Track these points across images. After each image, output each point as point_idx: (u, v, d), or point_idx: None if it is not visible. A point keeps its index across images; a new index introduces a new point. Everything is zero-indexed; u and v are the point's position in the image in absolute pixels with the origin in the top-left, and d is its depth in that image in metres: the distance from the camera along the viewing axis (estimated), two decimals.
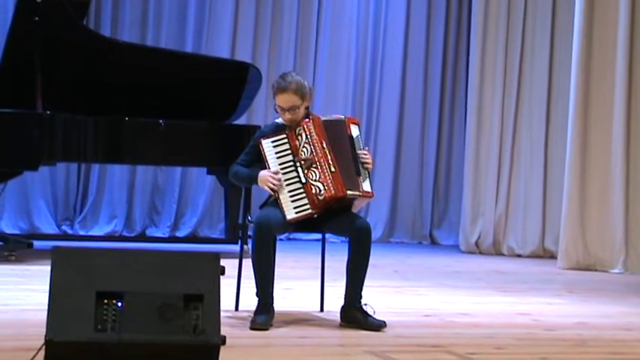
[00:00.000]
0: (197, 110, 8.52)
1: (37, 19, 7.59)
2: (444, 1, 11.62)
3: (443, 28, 11.63)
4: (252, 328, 4.88)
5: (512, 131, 10.47)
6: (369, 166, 5.21)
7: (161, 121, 8.03)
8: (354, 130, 5.24)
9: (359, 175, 5.16)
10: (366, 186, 5.17)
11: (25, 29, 7.60)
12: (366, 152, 5.23)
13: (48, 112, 7.48)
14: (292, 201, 5.07)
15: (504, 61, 10.53)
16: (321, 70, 11.18)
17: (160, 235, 10.35)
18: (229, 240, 8.82)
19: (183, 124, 8.19)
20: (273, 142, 5.16)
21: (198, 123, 8.31)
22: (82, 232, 10.18)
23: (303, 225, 5.16)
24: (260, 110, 10.59)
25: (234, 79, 8.67)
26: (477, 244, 10.53)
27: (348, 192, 5.07)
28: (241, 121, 9.24)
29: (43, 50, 7.64)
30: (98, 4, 10.32)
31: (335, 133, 5.18)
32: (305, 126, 5.14)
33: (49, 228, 10.10)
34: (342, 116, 5.33)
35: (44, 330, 3.77)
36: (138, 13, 10.56)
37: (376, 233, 11.23)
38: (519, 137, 10.47)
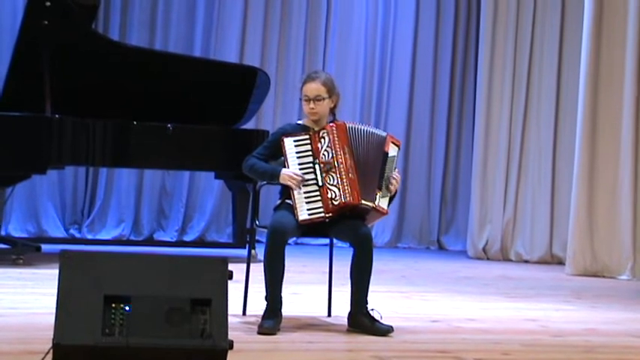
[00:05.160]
0: (205, 114, 8.53)
1: (46, 22, 7.61)
2: (452, 7, 11.62)
3: (451, 33, 11.63)
4: (259, 333, 4.88)
5: (520, 137, 10.45)
6: (393, 187, 5.21)
7: (169, 125, 8.04)
8: (392, 150, 5.23)
9: (380, 189, 5.15)
10: (382, 202, 5.16)
11: (34, 33, 7.61)
12: (396, 175, 5.22)
13: (56, 116, 7.49)
14: (307, 202, 5.07)
15: (513, 66, 10.52)
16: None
17: (167, 239, 10.36)
18: (237, 244, 8.82)
19: (191, 129, 8.20)
20: (295, 141, 5.16)
21: (206, 127, 8.32)
22: (89, 236, 10.20)
23: (309, 229, 5.16)
24: (268, 115, 10.60)
25: (243, 84, 8.68)
26: (484, 249, 10.52)
27: (363, 201, 5.06)
28: (249, 125, 9.25)
29: (52, 54, 7.66)
30: (107, 7, 10.35)
31: (365, 143, 5.17)
32: (329, 130, 5.14)
33: (57, 232, 10.12)
34: (385, 133, 5.32)
35: (52, 334, 3.77)
36: (146, 16, 10.58)
37: (384, 238, 11.24)
38: (527, 143, 10.46)
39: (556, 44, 10.35)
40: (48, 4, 7.58)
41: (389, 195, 5.22)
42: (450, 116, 11.67)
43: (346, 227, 5.13)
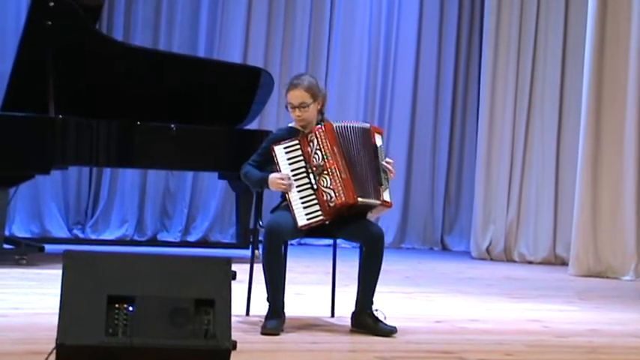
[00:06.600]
0: (209, 115, 8.53)
1: (49, 23, 7.61)
2: (456, 7, 11.61)
3: (455, 33, 11.62)
4: (262, 333, 4.88)
5: (523, 137, 10.45)
6: (392, 175, 5.21)
7: (173, 125, 8.04)
8: (378, 140, 5.23)
9: (380, 184, 5.15)
10: (386, 196, 5.16)
11: (38, 33, 7.61)
12: (389, 162, 5.22)
13: (60, 116, 7.50)
14: (304, 207, 5.06)
15: (516, 66, 10.51)
16: (334, 75, 11.18)
17: (171, 239, 10.35)
18: (240, 245, 8.81)
19: (194, 129, 8.20)
20: (285, 148, 5.15)
21: (210, 128, 8.32)
22: (93, 236, 10.19)
23: (314, 230, 5.16)
24: (272, 115, 10.60)
25: (247, 84, 8.68)
26: (488, 250, 10.51)
27: (359, 199, 5.05)
28: (253, 125, 9.26)
29: (56, 54, 7.66)
30: (111, 8, 10.35)
31: (353, 140, 5.16)
32: (317, 132, 5.13)
33: (61, 232, 10.12)
34: (368, 124, 5.32)
35: (55, 334, 3.78)
36: (150, 17, 10.58)
37: (387, 239, 11.21)
38: (531, 143, 10.45)
39: (560, 42, 10.33)
40: (51, 4, 7.58)
41: (388, 186, 5.21)
42: (454, 116, 11.67)
43: (356, 227, 5.12)
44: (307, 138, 5.15)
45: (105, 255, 4.06)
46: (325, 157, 5.09)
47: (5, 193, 7.58)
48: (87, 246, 9.43)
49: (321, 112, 5.31)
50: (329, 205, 5.04)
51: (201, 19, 10.72)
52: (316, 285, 6.91)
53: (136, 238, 10.32)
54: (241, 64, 10.12)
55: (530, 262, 10.22)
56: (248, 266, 5.43)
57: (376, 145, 5.21)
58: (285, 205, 5.16)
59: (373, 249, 5.07)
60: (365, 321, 5.08)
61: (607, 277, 8.91)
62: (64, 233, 10.14)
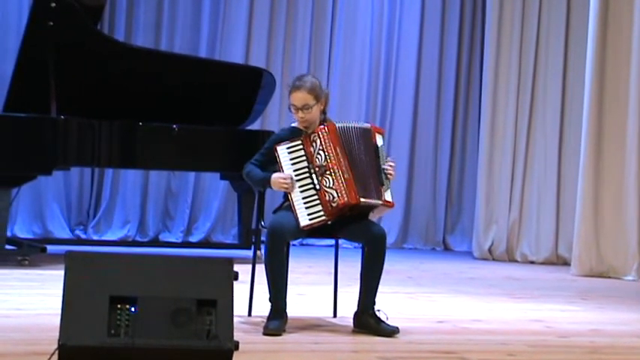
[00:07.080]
0: (211, 115, 8.53)
1: (51, 23, 7.61)
2: (457, 8, 11.61)
3: (457, 33, 11.62)
4: (265, 334, 4.88)
5: (525, 137, 10.45)
6: (392, 176, 5.21)
7: (175, 125, 8.04)
8: (379, 140, 5.24)
9: (382, 184, 5.15)
10: (387, 196, 5.16)
11: (40, 34, 7.62)
12: (390, 162, 5.22)
13: (62, 117, 7.50)
14: (306, 207, 5.06)
15: (518, 66, 10.51)
16: (335, 75, 11.18)
17: (173, 240, 10.35)
18: (242, 245, 8.81)
19: (196, 129, 8.20)
20: (288, 148, 5.15)
21: (211, 128, 8.32)
22: (95, 237, 10.19)
23: (316, 231, 5.16)
24: (274, 115, 10.60)
25: (248, 85, 8.68)
26: (490, 250, 10.51)
27: (362, 199, 5.06)
28: (255, 126, 9.25)
29: (58, 55, 7.66)
30: (112, 8, 10.34)
31: (355, 140, 5.16)
32: (320, 132, 5.13)
33: (63, 232, 10.12)
34: (369, 124, 5.32)
35: (57, 334, 3.78)
36: (152, 17, 10.58)
37: (389, 239, 11.12)
38: (533, 144, 10.44)
39: (562, 42, 10.33)
40: (53, 4, 7.59)
41: (389, 186, 5.21)
42: (456, 116, 11.67)
43: (358, 227, 5.12)
44: (310, 138, 5.14)
45: (107, 255, 4.07)
46: (328, 157, 5.08)
47: (7, 194, 7.59)
48: (89, 247, 9.43)
49: (323, 112, 5.31)
50: (331, 206, 5.04)
51: (202, 20, 10.72)
52: (318, 285, 6.91)
53: (138, 238, 10.32)
54: (243, 65, 10.12)
55: (533, 262, 10.22)
56: (250, 267, 5.43)
57: (377, 145, 5.21)
58: (287, 205, 5.16)
59: (375, 249, 5.07)
60: (367, 321, 5.09)
61: (609, 277, 8.91)
62: (66, 234, 10.14)
